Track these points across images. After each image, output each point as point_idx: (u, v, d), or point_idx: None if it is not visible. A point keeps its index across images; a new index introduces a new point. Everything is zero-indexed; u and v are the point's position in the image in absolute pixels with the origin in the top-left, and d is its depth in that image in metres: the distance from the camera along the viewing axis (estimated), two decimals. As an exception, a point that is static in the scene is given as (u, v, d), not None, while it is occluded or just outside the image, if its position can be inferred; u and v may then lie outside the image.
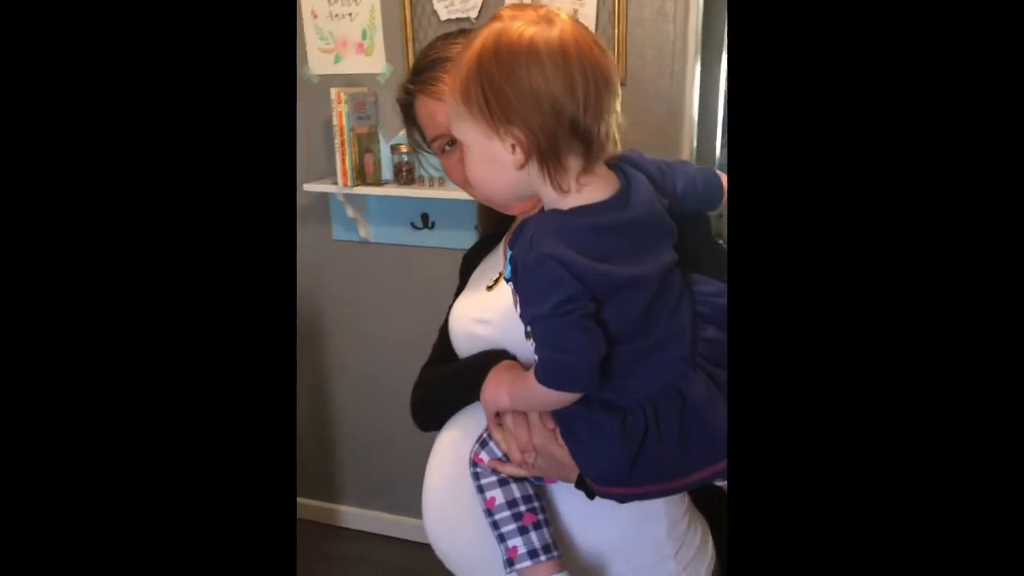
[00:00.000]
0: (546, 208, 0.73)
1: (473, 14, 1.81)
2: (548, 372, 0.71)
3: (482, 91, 0.67)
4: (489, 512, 0.82)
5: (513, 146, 0.68)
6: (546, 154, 0.68)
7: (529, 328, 0.71)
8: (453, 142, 0.87)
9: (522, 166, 0.69)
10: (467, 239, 1.95)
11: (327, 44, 1.97)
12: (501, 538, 0.81)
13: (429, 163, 1.70)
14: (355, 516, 2.40)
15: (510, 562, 0.80)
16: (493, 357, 0.84)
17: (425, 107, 0.89)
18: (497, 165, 0.70)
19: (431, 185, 1.93)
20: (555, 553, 0.80)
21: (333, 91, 1.85)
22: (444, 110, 0.79)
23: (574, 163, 0.69)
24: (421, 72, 0.89)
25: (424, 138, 0.93)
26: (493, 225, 1.02)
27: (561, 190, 0.70)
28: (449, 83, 0.71)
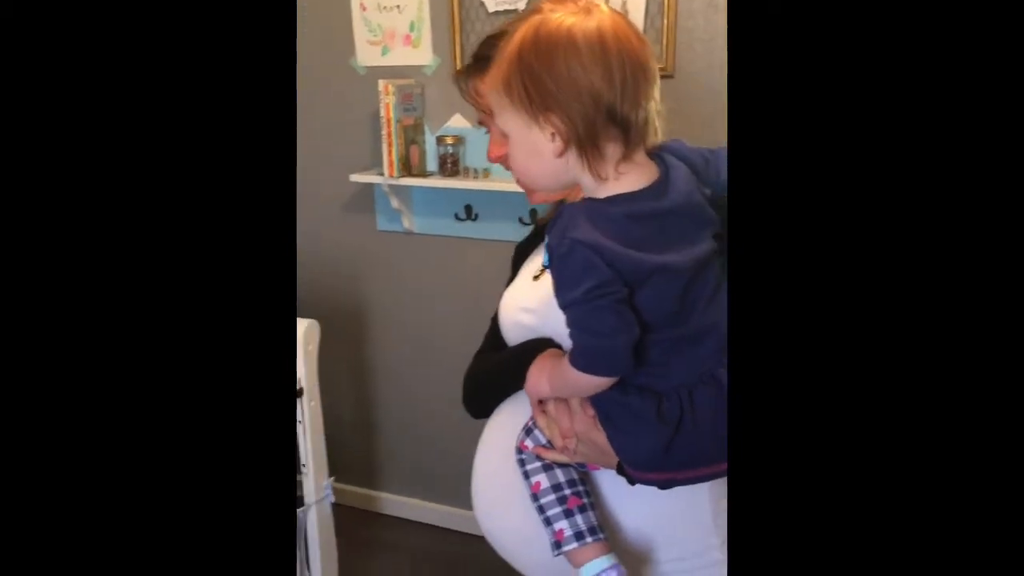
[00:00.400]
0: (585, 196, 0.74)
1: (521, 5, 1.81)
2: (582, 356, 0.72)
3: (522, 82, 0.69)
4: (535, 497, 0.83)
5: (552, 135, 0.70)
6: (584, 142, 0.70)
7: (564, 313, 0.72)
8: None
9: (561, 154, 0.71)
10: (510, 231, 1.98)
11: (375, 36, 1.99)
12: (547, 521, 0.82)
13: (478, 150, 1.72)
14: (393, 503, 2.43)
15: (557, 544, 0.81)
16: (538, 346, 0.86)
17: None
18: (537, 154, 0.72)
19: (475, 177, 1.94)
20: (601, 535, 0.81)
21: (381, 83, 1.87)
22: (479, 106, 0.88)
23: (612, 150, 0.71)
24: (467, 66, 0.95)
25: None
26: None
27: (599, 177, 0.71)
28: (491, 76, 0.73)
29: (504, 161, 0.94)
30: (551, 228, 0.72)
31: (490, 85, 0.74)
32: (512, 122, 0.72)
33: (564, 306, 0.71)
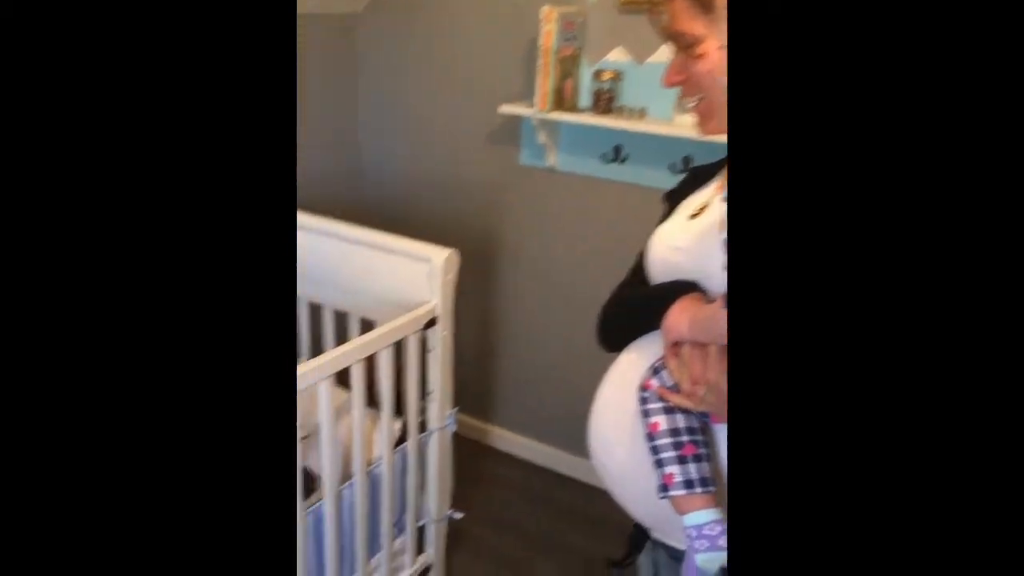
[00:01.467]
0: None
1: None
2: None
3: None
4: (651, 436, 0.82)
5: None
6: None
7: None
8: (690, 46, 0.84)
9: None
10: (658, 177, 1.88)
11: (542, -40, 1.92)
12: (659, 463, 0.81)
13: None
14: (508, 439, 2.46)
15: (664, 488, 0.80)
16: (683, 288, 0.83)
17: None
18: None
19: (630, 116, 1.85)
20: (712, 488, 0.79)
21: (544, 8, 1.80)
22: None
23: None
24: None
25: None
26: None
27: None
28: None
29: (684, 87, 0.87)
30: None
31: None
32: None
33: None
